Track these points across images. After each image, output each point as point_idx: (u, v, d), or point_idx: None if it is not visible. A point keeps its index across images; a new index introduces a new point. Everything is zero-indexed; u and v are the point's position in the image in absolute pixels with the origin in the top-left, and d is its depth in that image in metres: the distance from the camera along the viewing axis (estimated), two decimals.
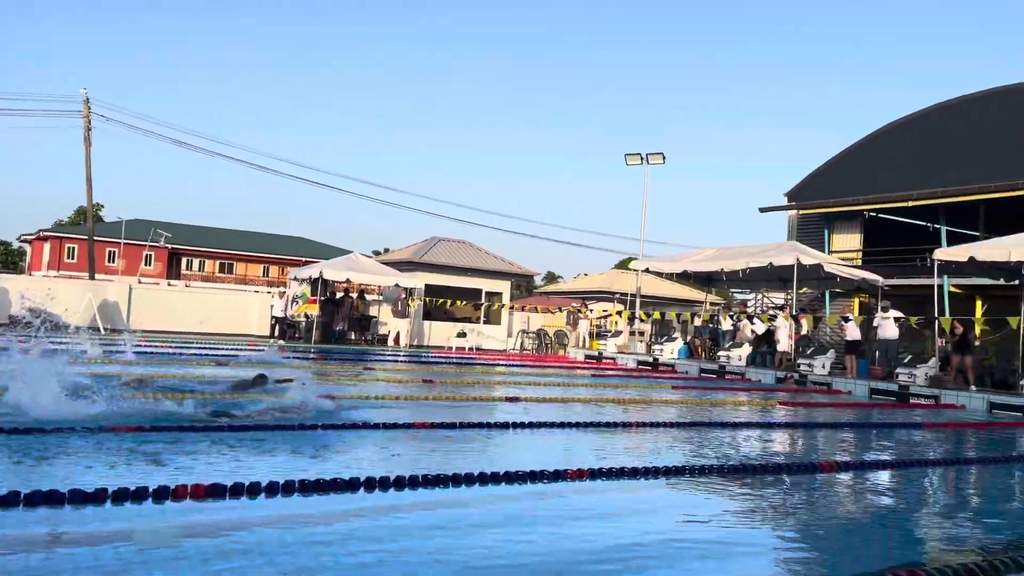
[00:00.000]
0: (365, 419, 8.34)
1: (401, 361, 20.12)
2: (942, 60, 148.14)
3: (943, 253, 17.90)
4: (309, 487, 5.07)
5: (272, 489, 4.94)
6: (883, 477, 7.52)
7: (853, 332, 19.35)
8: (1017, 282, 17.81)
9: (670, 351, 24.19)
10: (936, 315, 18.70)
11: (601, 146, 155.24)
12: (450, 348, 26.97)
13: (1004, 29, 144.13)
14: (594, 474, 5.94)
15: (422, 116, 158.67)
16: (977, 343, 19.66)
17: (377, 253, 47.78)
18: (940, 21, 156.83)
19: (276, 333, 25.99)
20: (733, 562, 4.44)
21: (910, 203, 25.04)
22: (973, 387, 16.34)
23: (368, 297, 28.69)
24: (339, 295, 27.03)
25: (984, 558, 4.36)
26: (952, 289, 22.77)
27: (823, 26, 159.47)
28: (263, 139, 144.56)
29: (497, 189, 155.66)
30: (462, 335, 27.81)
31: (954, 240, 23.99)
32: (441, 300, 28.44)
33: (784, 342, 20.85)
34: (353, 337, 26.61)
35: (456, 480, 5.52)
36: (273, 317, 26.50)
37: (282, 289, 29.54)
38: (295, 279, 28.51)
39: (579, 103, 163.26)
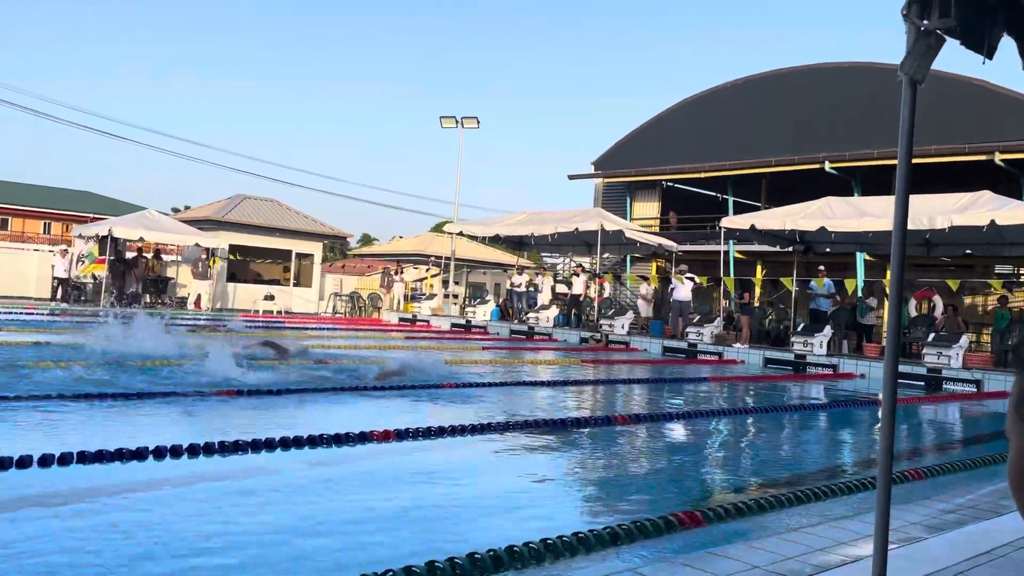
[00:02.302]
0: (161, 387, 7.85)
1: (201, 325, 19.06)
2: (735, 42, 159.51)
3: (728, 221, 19.46)
4: (105, 456, 4.73)
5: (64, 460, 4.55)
6: (670, 427, 8.16)
7: (682, 293, 20.24)
8: (791, 249, 19.76)
9: (482, 313, 24.69)
10: (722, 278, 20.37)
11: (417, 108, 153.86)
12: (257, 311, 25.91)
13: (793, 16, 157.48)
14: (401, 435, 5.98)
15: (227, 67, 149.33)
16: (756, 305, 21.65)
17: (176, 211, 44.70)
18: (735, 6, 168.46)
19: (59, 295, 23.73)
20: (532, 512, 4.65)
21: (702, 174, 26.95)
22: (744, 344, 17.97)
23: (165, 257, 26.85)
24: (131, 255, 25.09)
25: (753, 498, 4.85)
26: (736, 255, 24.85)
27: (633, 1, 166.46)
28: (43, 83, 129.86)
29: (309, 147, 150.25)
30: (270, 298, 26.79)
31: (740, 209, 26.14)
32: (247, 261, 27.16)
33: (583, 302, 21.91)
34: (148, 300, 24.85)
35: (256, 446, 5.35)
36: (55, 278, 24.15)
37: (65, 247, 26.93)
38: (80, 237, 26.09)
39: (395, 62, 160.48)
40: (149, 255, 25.37)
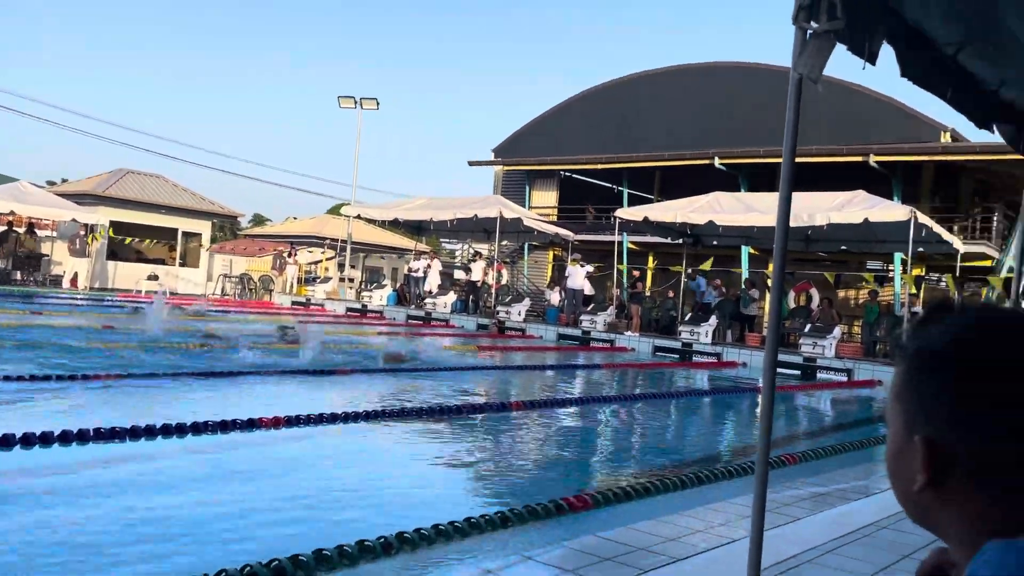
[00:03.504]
0: (32, 371, 7.37)
1: (77, 305, 18.02)
2: (634, 37, 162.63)
3: (623, 212, 19.90)
4: None
5: None
6: (562, 413, 8.30)
7: (577, 281, 20.56)
8: (681, 241, 20.40)
9: (379, 298, 24.38)
10: (616, 268, 20.83)
11: (314, 87, 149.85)
12: (139, 292, 24.70)
13: (690, 14, 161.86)
14: (291, 421, 5.84)
15: (111, 34, 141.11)
16: (647, 294, 22.28)
17: (53, 184, 41.92)
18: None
19: None
20: (423, 498, 4.63)
21: (599, 166, 27.45)
22: (635, 332, 18.50)
23: (39, 232, 25.20)
24: (1, 229, 23.43)
25: (639, 481, 4.99)
26: (630, 246, 25.47)
27: None
28: None
29: (200, 123, 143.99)
30: (153, 278, 25.59)
31: (634, 201, 26.78)
32: (130, 239, 25.84)
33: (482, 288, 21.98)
34: (19, 277, 23.28)
35: (135, 433, 5.10)
36: None
37: None
38: None
39: (292, 39, 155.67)
40: (21, 230, 23.76)
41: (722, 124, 24.71)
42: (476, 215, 21.93)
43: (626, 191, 27.58)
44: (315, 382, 8.77)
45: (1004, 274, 15.97)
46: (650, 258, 25.90)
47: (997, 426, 0.76)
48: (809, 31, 2.66)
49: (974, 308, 0.84)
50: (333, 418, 6.16)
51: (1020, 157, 4.59)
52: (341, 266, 29.05)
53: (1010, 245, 16.66)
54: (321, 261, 30.69)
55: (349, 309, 23.59)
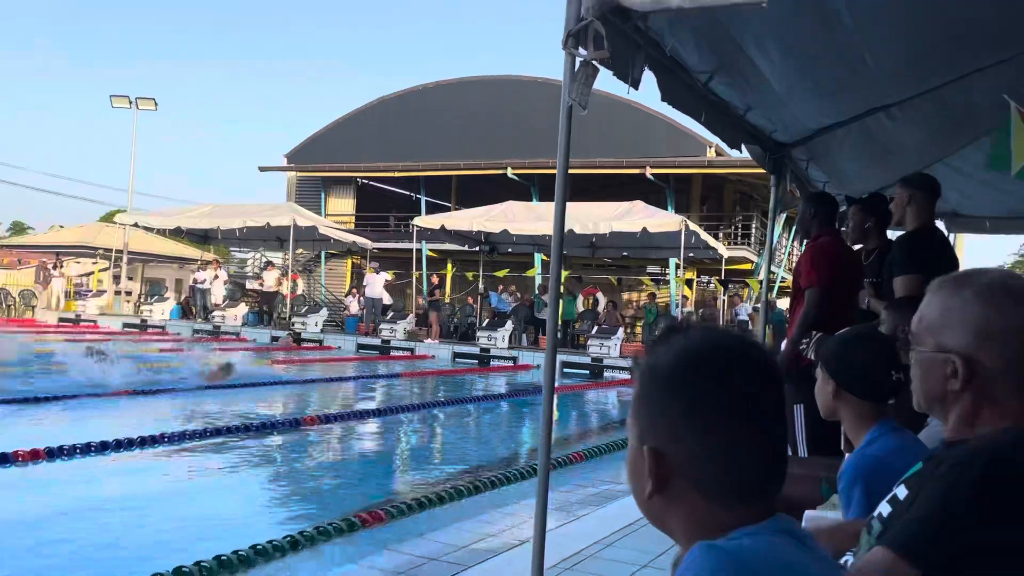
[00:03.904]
0: None
1: None
2: (429, 46, 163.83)
3: (421, 221, 20.00)
4: None
5: None
6: (360, 425, 8.17)
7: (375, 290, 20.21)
8: (478, 248, 20.83)
9: (161, 312, 22.71)
10: (415, 276, 20.87)
11: (84, 85, 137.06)
12: None
13: (485, 27, 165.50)
14: (52, 453, 5.29)
15: None
16: (446, 301, 22.52)
17: None
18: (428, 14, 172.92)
19: None
20: (207, 526, 4.38)
21: (396, 173, 27.38)
22: (435, 339, 18.67)
23: None
24: None
25: (433, 491, 5.03)
26: (429, 253, 25.62)
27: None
28: None
29: None
30: None
31: (432, 209, 26.96)
32: None
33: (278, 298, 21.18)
34: None
35: None
36: None
37: None
38: None
39: (61, 32, 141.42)
40: None
41: (516, 135, 25.51)
42: (268, 223, 21.08)
43: (424, 199, 27.71)
44: (83, 406, 8.00)
45: (760, 277, 17.82)
46: (449, 265, 26.21)
47: (706, 435, 0.85)
48: (578, 58, 2.82)
49: (698, 329, 0.94)
50: (103, 447, 5.66)
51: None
52: (117, 278, 26.76)
53: (764, 250, 18.58)
54: (93, 273, 28.09)
55: (127, 325, 21.80)
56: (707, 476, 0.85)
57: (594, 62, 2.96)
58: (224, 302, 22.16)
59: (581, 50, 2.88)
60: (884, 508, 1.29)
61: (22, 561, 3.57)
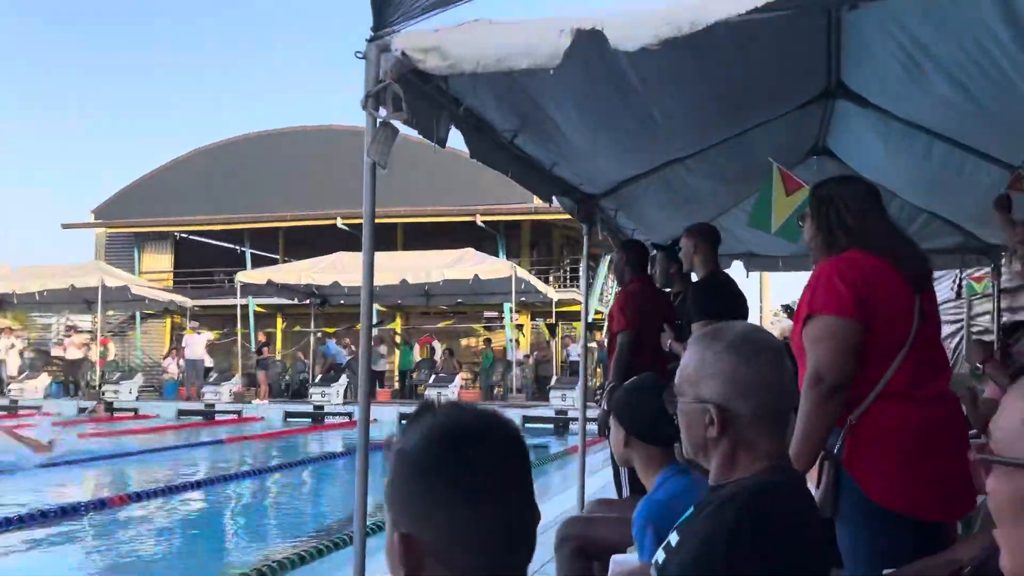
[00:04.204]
0: None
1: None
2: (245, 96, 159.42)
3: (245, 276, 19.22)
4: None
5: None
6: (181, 500, 7.61)
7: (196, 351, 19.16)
8: (308, 301, 20.25)
9: None
10: (241, 333, 19.94)
11: None
12: None
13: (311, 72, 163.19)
14: None
15: None
16: (278, 358, 21.65)
17: None
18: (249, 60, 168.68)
19: None
20: None
21: (217, 226, 26.23)
22: (264, 400, 17.88)
23: None
24: None
25: (265, 562, 4.74)
26: (257, 308, 24.63)
27: (143, 37, 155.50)
28: None
29: None
30: None
31: (259, 262, 25.99)
32: None
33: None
34: None
35: None
36: None
37: None
38: None
39: None
40: None
41: (343, 184, 25.14)
42: (73, 285, 19.47)
43: (249, 251, 26.69)
44: None
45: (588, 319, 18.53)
46: (279, 320, 25.28)
47: (454, 517, 0.85)
48: (378, 118, 2.82)
49: (446, 409, 0.93)
50: None
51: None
52: None
53: (585, 293, 19.37)
54: None
55: None
56: (455, 555, 0.85)
57: (394, 122, 2.98)
58: (23, 373, 20.11)
59: (381, 110, 2.88)
60: (660, 555, 1.37)
61: None
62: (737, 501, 1.22)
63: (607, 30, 2.31)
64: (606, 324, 5.05)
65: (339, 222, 23.90)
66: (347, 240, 23.60)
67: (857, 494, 1.94)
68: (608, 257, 21.24)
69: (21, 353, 20.98)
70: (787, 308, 15.36)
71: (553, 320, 20.03)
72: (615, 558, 2.26)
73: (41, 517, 6.29)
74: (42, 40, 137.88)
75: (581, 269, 5.77)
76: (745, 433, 1.30)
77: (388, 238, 23.49)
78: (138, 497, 7.32)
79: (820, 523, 1.38)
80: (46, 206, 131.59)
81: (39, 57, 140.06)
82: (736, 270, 7.21)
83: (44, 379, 19.91)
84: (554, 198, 4.78)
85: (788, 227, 4.44)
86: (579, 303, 22.68)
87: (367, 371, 3.19)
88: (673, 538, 1.34)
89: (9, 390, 19.52)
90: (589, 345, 18.45)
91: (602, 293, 22.64)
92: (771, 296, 23.05)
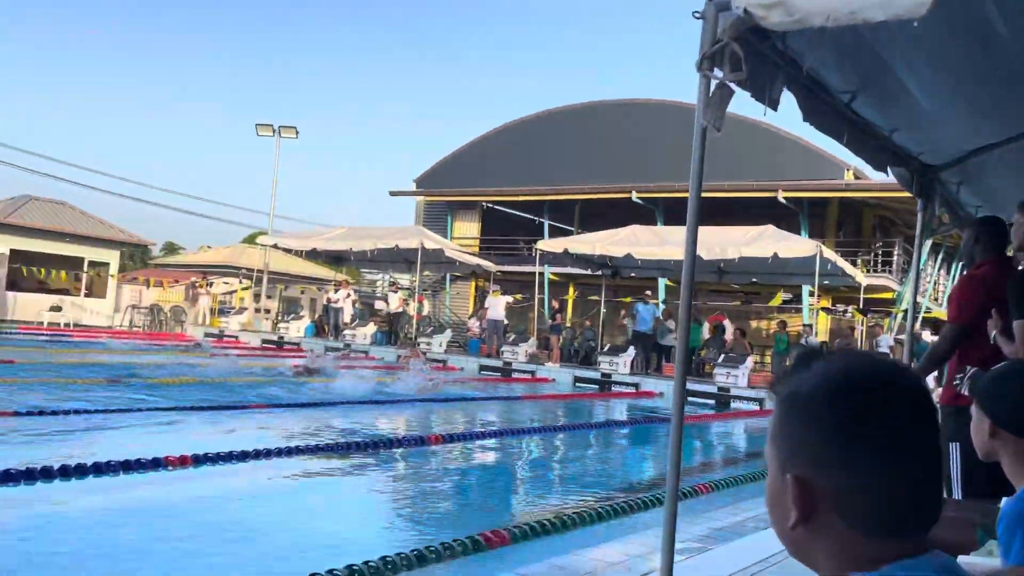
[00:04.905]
0: None
1: None
2: (554, 71, 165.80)
3: (544, 244, 20.14)
4: None
5: None
6: (482, 446, 8.27)
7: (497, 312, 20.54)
8: (600, 272, 20.76)
9: (296, 329, 23.87)
10: (537, 299, 21.00)
11: (231, 115, 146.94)
12: (41, 323, 23.55)
13: (609, 51, 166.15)
14: (199, 460, 5.63)
15: (12, 56, 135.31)
16: (567, 325, 22.52)
17: None
18: (557, 35, 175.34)
19: None
20: (339, 538, 4.53)
21: (520, 197, 27.76)
22: (555, 363, 18.64)
23: None
24: None
25: (556, 515, 5.00)
26: (551, 276, 25.76)
27: (456, 19, 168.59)
28: None
29: (109, 149, 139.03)
30: (56, 308, 24.44)
31: (555, 233, 27.14)
32: (32, 268, 24.66)
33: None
34: None
35: (31, 475, 4.84)
36: None
37: None
38: None
39: (209, 66, 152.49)
40: None
41: (640, 158, 25.34)
42: (397, 245, 21.81)
43: (547, 223, 27.92)
44: (223, 417, 8.50)
45: (903, 306, 16.82)
46: (570, 288, 26.22)
47: (855, 465, 0.81)
48: (714, 80, 2.77)
49: (841, 355, 0.90)
50: (244, 455, 5.98)
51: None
52: (257, 297, 28.34)
53: (909, 279, 17.56)
54: (236, 292, 29.88)
55: (265, 341, 23.02)
56: (855, 508, 0.82)
57: (730, 83, 2.91)
58: (354, 321, 23.03)
59: (716, 71, 2.83)
60: None
61: (158, 551, 3.81)
62: None
63: None
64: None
65: (634, 196, 24.09)
66: (641, 213, 23.75)
67: None
68: (929, 242, 19.11)
69: (354, 304, 24.04)
70: None
71: (860, 306, 18.50)
72: (962, 559, 2.04)
73: (372, 447, 7.19)
74: (378, 40, 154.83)
75: (915, 248, 5.19)
76: None
77: (679, 211, 23.19)
78: (448, 438, 8.06)
79: None
80: (379, 174, 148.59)
81: (377, 56, 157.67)
82: None
83: (371, 328, 22.63)
84: (888, 168, 4.39)
85: None
86: (891, 290, 20.83)
87: (685, 341, 3.19)
88: None
89: (343, 335, 22.49)
90: (899, 337, 16.85)
91: (920, 281, 20.44)
92: None
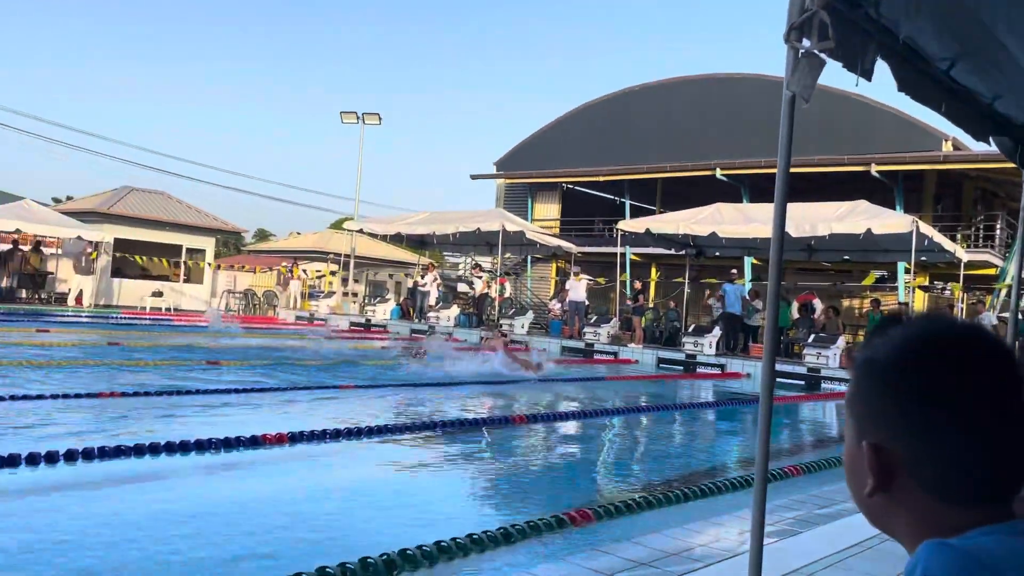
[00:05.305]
0: (39, 390, 7.41)
1: (84, 323, 18.10)
2: (633, 50, 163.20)
3: (625, 224, 19.93)
4: None
5: None
6: (566, 426, 8.30)
7: (579, 294, 20.47)
8: (684, 252, 20.42)
9: (382, 312, 24.41)
10: (619, 280, 20.85)
11: (317, 102, 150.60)
12: (144, 308, 24.80)
13: (687, 26, 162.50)
14: (295, 438, 5.86)
15: (113, 52, 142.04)
16: (650, 306, 22.28)
17: (58, 201, 42.10)
18: (634, 14, 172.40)
19: None
20: (427, 514, 4.64)
21: (600, 178, 27.53)
22: (638, 344, 18.48)
23: (45, 251, 25.30)
24: (5, 247, 23.53)
25: (641, 495, 4.99)
26: (632, 257, 25.52)
27: (536, 7, 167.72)
28: None
29: (203, 140, 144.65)
30: (158, 294, 25.67)
31: (636, 213, 26.82)
32: (134, 256, 25.94)
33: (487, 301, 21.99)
34: (24, 295, 23.38)
35: (140, 451, 5.13)
36: None
37: None
38: None
39: (294, 56, 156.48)
40: (27, 247, 23.86)
41: (723, 134, 24.76)
42: (479, 228, 21.99)
43: (628, 203, 27.62)
44: (314, 397, 8.79)
45: (1007, 282, 15.97)
46: (653, 269, 25.90)
47: (936, 431, 0.79)
48: (801, 50, 2.69)
49: (920, 319, 0.87)
50: (336, 434, 6.19)
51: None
52: (345, 280, 29.10)
53: (1013, 253, 16.65)
54: (324, 276, 30.73)
55: (353, 323, 23.63)
56: (933, 474, 0.80)
57: (820, 54, 2.81)
58: (438, 304, 23.38)
59: (805, 41, 2.75)
60: None
61: (271, 521, 3.99)
62: None
63: None
64: None
65: (718, 173, 23.56)
66: (725, 191, 23.21)
67: None
68: None
69: (438, 287, 24.40)
70: None
71: (960, 283, 17.66)
72: None
73: (456, 425, 7.32)
74: (456, 24, 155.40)
75: (1021, 223, 4.94)
76: None
77: (765, 188, 22.59)
78: (532, 419, 8.12)
79: None
80: (461, 160, 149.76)
81: (456, 40, 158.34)
82: None
83: (454, 310, 22.93)
84: (990, 138, 4.17)
85: None
86: (993, 265, 19.78)
87: (773, 320, 3.12)
88: None
89: (428, 317, 22.87)
90: (1003, 315, 15.97)
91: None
92: None
